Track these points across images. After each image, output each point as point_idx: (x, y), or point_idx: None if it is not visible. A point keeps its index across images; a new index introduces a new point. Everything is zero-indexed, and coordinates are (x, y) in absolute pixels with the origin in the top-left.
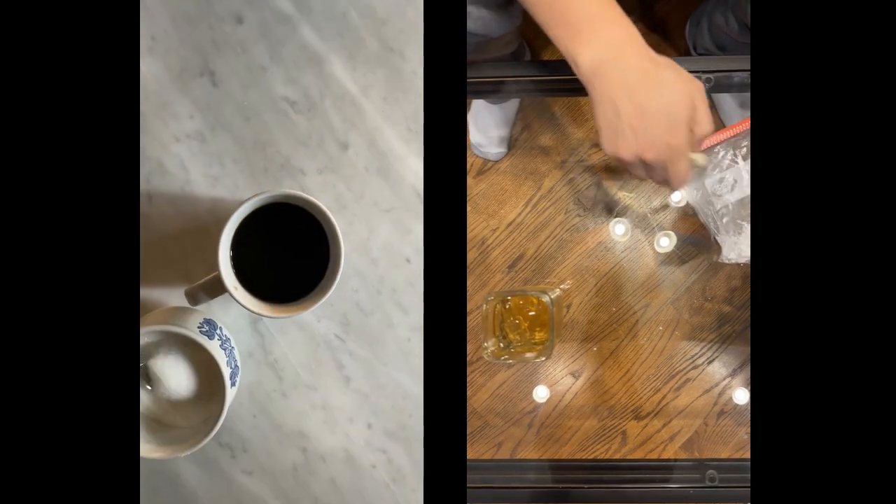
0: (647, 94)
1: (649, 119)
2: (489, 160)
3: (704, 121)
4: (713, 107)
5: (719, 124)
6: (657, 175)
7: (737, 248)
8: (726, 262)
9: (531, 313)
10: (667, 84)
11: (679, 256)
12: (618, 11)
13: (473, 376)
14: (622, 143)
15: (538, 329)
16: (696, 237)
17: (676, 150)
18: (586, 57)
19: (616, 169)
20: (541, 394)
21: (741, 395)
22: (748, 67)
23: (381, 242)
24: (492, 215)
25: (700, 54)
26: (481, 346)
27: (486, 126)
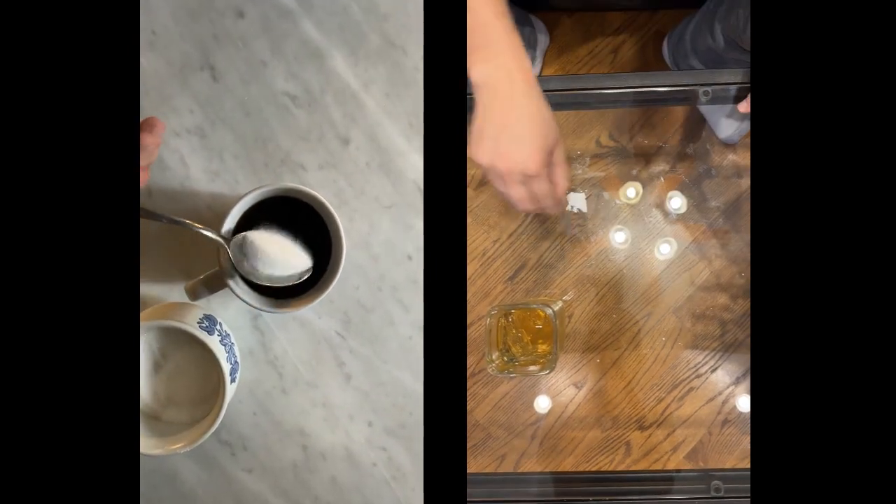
0: (520, 112)
1: (514, 132)
2: None
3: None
4: (704, 119)
5: (711, 137)
6: (515, 191)
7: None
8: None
9: (538, 326)
10: (537, 113)
11: (680, 264)
12: (517, 42)
13: (475, 388)
14: (481, 148)
15: (541, 341)
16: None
17: (531, 169)
18: (478, 71)
19: (616, 178)
20: (543, 404)
21: (745, 403)
22: (741, 80)
23: (382, 239)
24: (493, 226)
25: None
26: (485, 360)
27: None
